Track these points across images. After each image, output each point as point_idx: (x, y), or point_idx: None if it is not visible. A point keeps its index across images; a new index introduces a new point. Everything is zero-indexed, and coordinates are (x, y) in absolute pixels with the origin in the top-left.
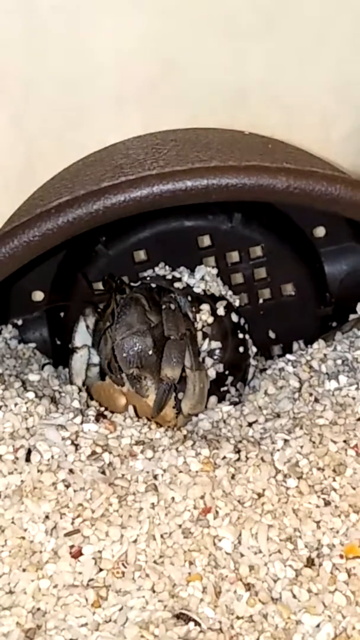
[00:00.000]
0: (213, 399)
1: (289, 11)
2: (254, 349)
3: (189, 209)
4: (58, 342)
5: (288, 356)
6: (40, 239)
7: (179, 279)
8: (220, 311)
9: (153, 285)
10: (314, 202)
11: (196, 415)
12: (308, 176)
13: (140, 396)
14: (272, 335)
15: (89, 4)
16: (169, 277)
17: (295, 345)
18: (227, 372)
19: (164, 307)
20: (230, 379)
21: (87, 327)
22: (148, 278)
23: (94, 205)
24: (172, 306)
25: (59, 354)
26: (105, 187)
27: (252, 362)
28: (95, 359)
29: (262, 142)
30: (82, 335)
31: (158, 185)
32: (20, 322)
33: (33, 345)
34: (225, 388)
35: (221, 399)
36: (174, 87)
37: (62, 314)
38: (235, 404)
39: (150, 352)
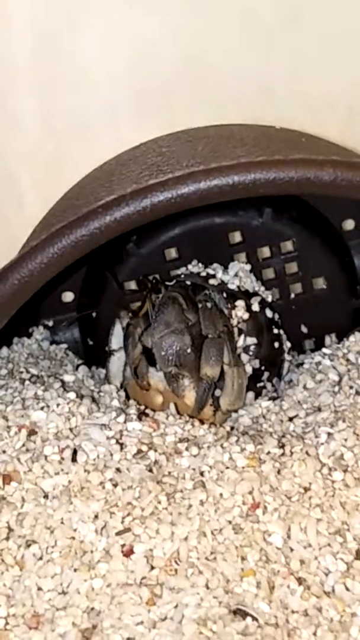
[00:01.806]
0: (250, 394)
1: (314, 6)
2: (289, 344)
3: (219, 205)
4: (90, 343)
5: (324, 350)
6: (88, 238)
7: (214, 276)
8: (255, 307)
9: (187, 282)
10: (359, 194)
11: (235, 411)
12: (355, 168)
13: (176, 395)
14: (304, 329)
15: (114, 2)
16: (203, 274)
17: (327, 339)
18: (263, 368)
19: (200, 305)
20: (266, 374)
21: (123, 329)
22: (182, 276)
23: (141, 203)
24: (209, 304)
25: (91, 354)
26: (152, 184)
27: (287, 357)
28: None
29: (296, 136)
30: (118, 338)
31: (205, 181)
32: (50, 323)
33: (65, 346)
34: (261, 384)
35: (258, 395)
36: (199, 84)
37: (93, 315)
38: (273, 399)
39: (189, 351)
